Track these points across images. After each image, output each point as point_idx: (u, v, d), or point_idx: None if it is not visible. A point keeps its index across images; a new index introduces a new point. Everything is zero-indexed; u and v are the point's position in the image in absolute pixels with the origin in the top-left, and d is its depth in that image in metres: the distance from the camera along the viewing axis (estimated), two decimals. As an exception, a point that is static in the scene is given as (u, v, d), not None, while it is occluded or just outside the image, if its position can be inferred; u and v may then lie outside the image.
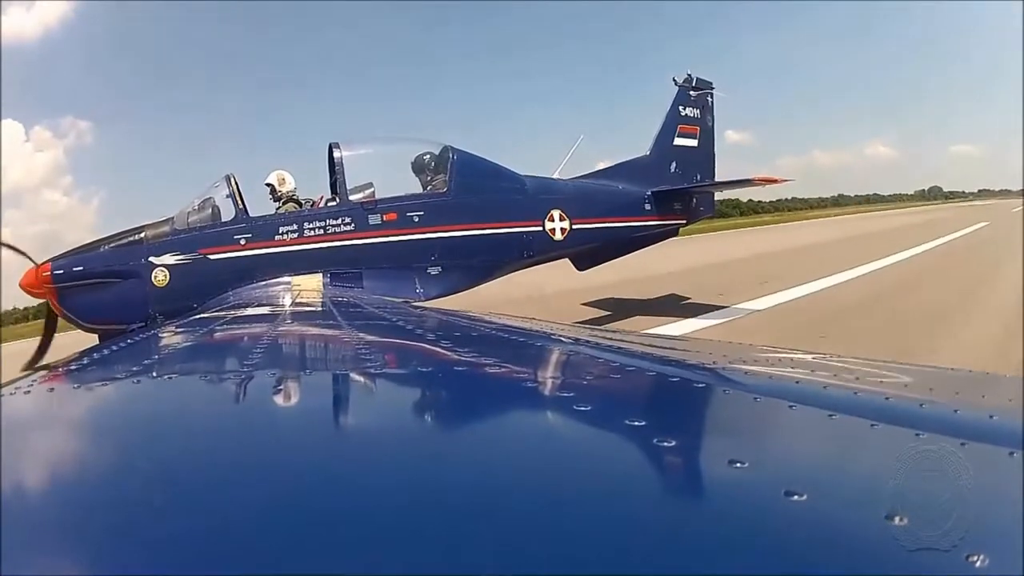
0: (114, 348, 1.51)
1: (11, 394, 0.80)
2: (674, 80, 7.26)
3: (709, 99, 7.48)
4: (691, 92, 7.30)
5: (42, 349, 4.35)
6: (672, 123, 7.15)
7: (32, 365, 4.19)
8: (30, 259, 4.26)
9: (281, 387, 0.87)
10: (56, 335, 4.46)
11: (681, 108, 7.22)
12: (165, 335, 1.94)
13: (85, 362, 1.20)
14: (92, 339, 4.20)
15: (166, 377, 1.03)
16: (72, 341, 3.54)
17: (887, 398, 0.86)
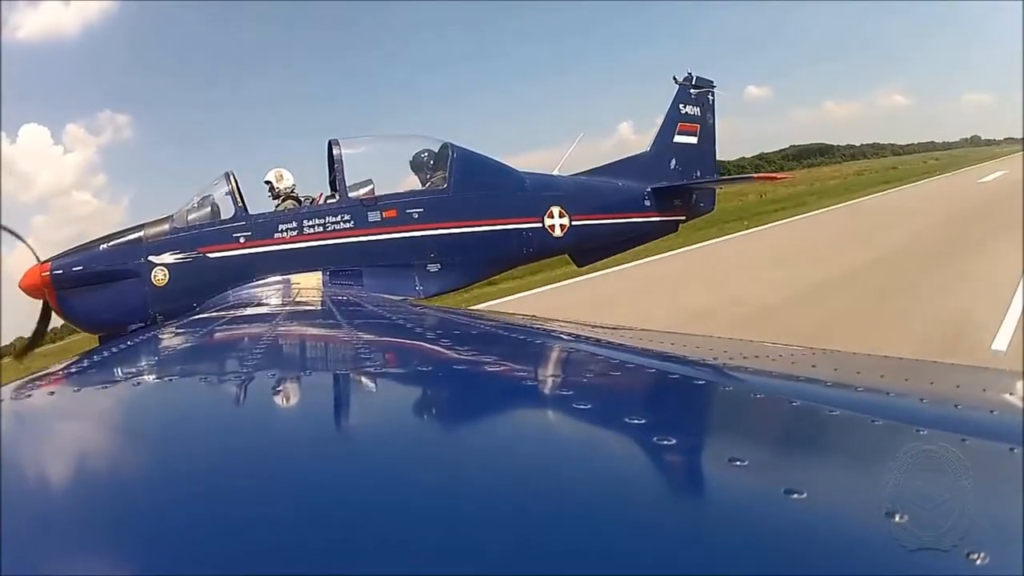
0: (114, 351, 1.51)
1: (12, 398, 0.80)
2: (675, 79, 7.26)
3: (710, 97, 7.47)
4: (691, 90, 7.29)
5: (35, 339, 4.35)
6: (672, 121, 7.15)
7: (23, 355, 4.20)
8: (31, 248, 4.24)
9: (283, 388, 0.87)
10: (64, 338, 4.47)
11: (681, 106, 7.22)
12: (165, 337, 1.94)
13: (85, 365, 1.20)
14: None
15: (167, 380, 1.03)
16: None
17: (888, 394, 0.86)
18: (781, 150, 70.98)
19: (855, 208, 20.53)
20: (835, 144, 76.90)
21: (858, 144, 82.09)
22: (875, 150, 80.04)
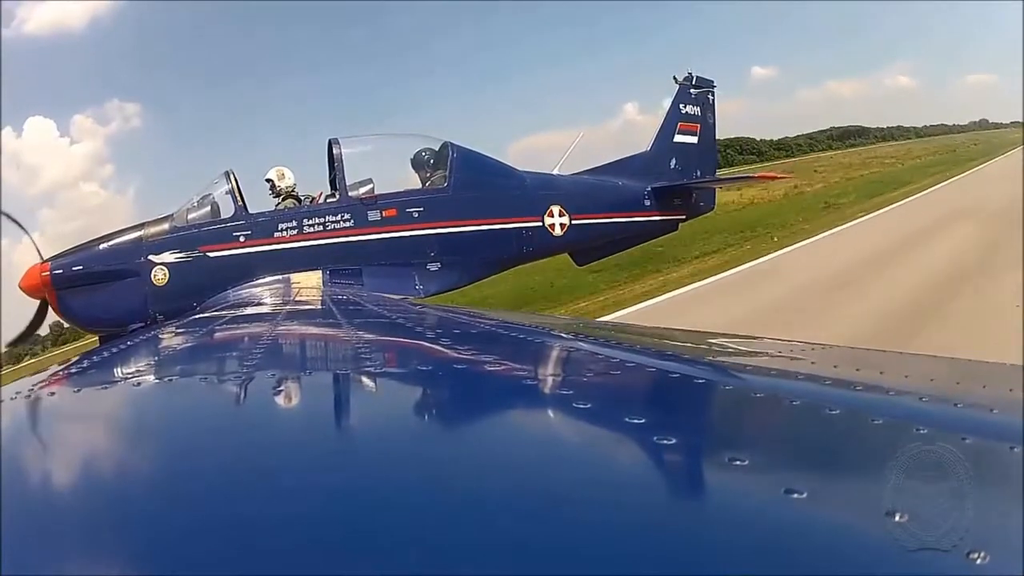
0: (114, 351, 1.51)
1: (12, 398, 0.80)
2: (675, 78, 7.26)
3: (710, 97, 7.47)
4: (692, 90, 7.29)
5: (31, 329, 4.37)
6: (673, 120, 7.15)
7: (17, 343, 4.23)
8: (27, 233, 4.26)
9: (283, 388, 0.87)
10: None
11: (682, 106, 7.22)
12: (165, 336, 1.94)
13: (85, 365, 1.20)
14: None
15: (167, 380, 1.03)
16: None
17: (888, 392, 0.86)
18: (823, 130, 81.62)
19: (997, 166, 28.55)
20: (869, 127, 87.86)
21: (885, 127, 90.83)
22: (900, 132, 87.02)
